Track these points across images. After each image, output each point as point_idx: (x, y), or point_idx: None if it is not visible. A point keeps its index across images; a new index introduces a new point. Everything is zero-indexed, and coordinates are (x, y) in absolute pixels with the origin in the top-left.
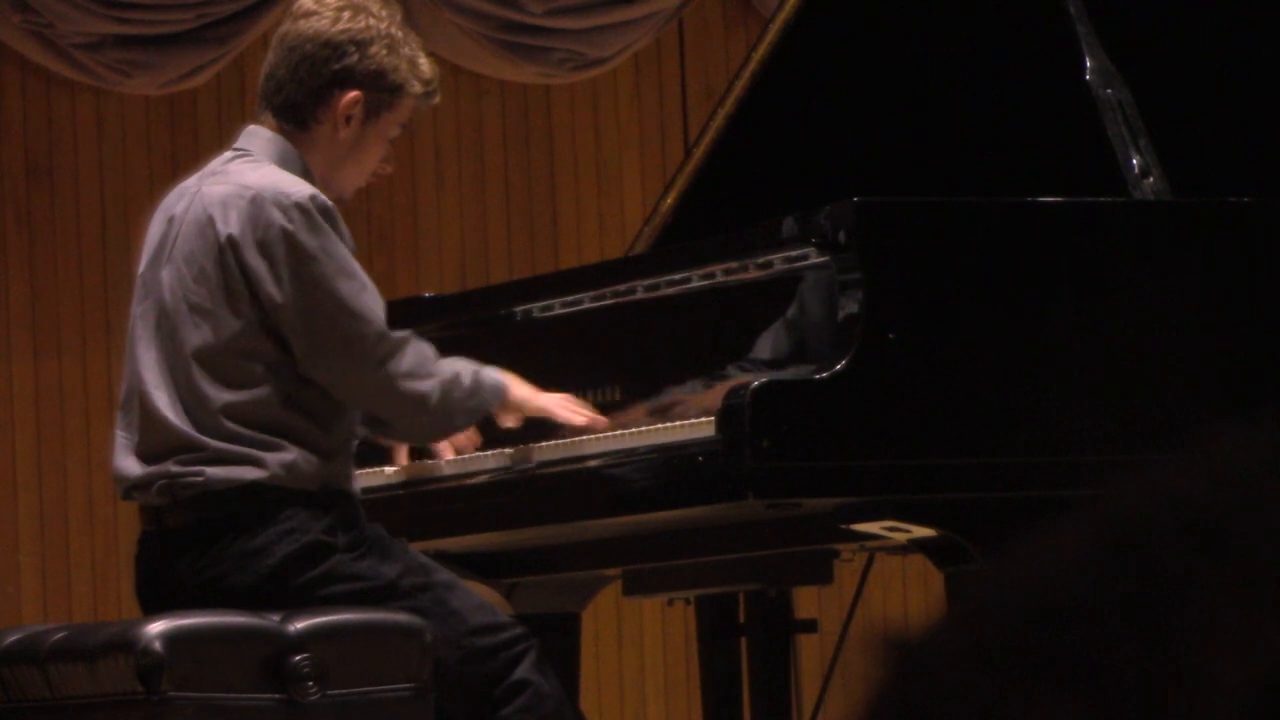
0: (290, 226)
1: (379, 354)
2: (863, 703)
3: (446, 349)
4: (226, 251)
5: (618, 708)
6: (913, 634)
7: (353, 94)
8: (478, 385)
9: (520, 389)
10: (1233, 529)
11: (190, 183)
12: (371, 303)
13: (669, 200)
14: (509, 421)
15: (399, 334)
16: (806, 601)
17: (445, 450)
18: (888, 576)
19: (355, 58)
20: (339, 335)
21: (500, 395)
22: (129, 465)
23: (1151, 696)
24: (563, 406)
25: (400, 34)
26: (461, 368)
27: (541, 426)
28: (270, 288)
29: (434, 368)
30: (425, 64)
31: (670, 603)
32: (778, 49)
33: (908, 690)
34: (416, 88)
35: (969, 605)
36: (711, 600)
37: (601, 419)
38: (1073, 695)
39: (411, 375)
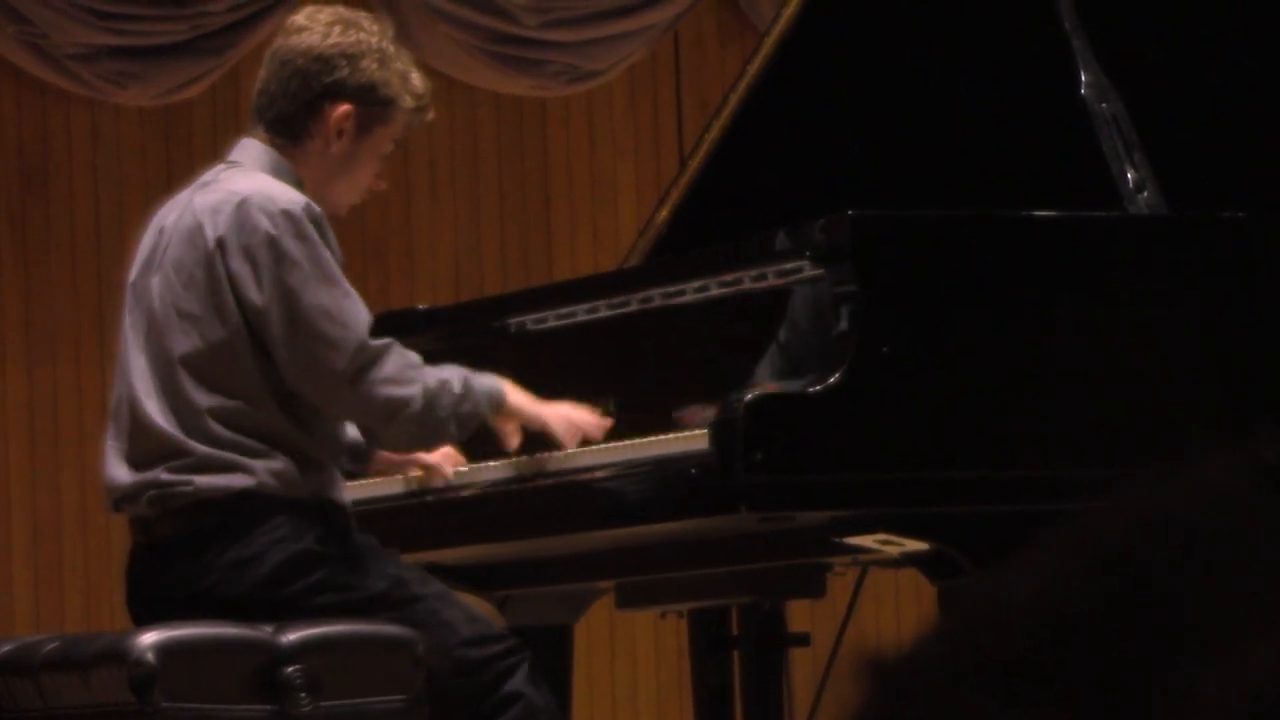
0: (274, 232)
1: (358, 361)
2: None
3: (440, 361)
4: (215, 258)
5: None
6: (894, 652)
7: (344, 107)
8: (469, 391)
9: (517, 396)
10: (1217, 544)
11: (183, 195)
12: (353, 310)
13: (663, 213)
14: (509, 432)
15: (380, 341)
16: (799, 615)
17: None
18: (881, 590)
19: (346, 71)
20: (317, 341)
21: (496, 401)
22: (119, 474)
23: (1136, 711)
24: (562, 422)
25: (392, 49)
26: (451, 374)
27: (535, 437)
28: (251, 291)
29: (417, 374)
30: (418, 79)
31: (663, 615)
32: (773, 62)
33: (891, 709)
34: (408, 102)
35: (952, 621)
36: (704, 613)
37: (601, 426)
38: (1057, 710)
39: (391, 381)
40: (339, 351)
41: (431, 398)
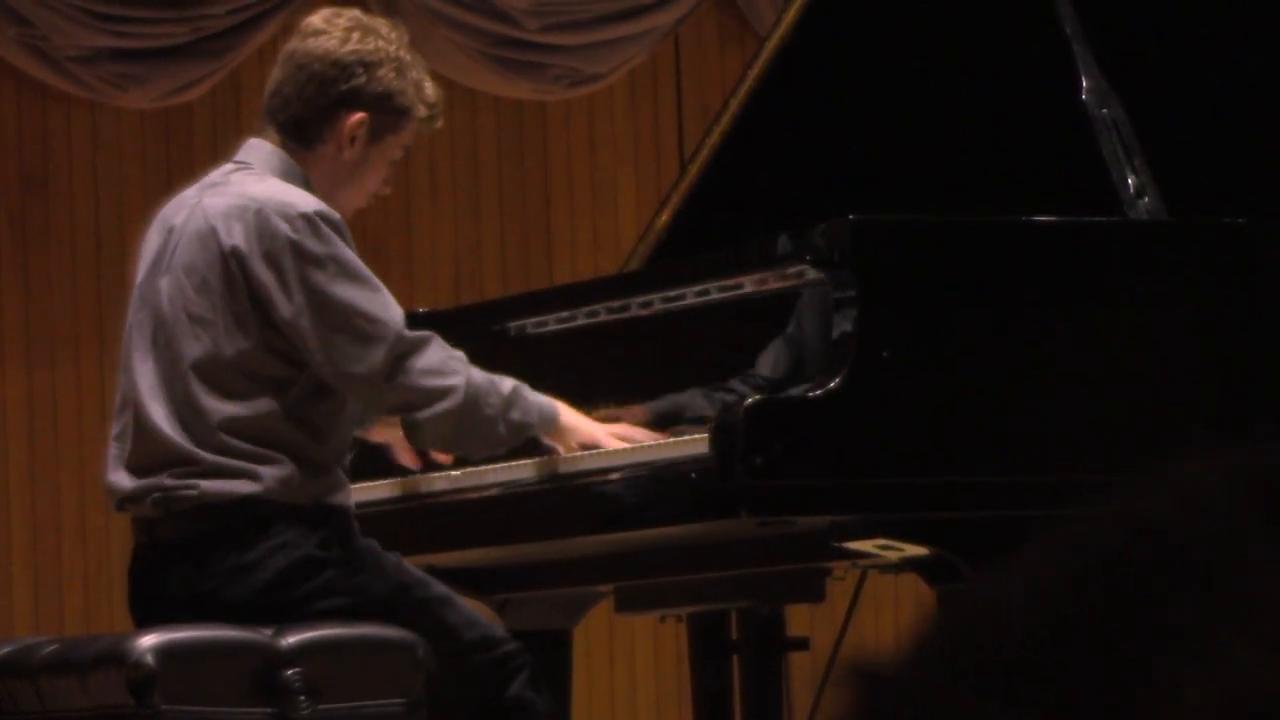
0: (296, 236)
1: (395, 352)
2: None
3: None
4: (231, 264)
5: None
6: (881, 659)
7: (359, 115)
8: (520, 398)
9: (571, 416)
10: (1202, 550)
11: (190, 194)
12: (384, 305)
13: (663, 217)
14: (560, 448)
15: (418, 333)
16: (798, 619)
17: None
18: (880, 595)
19: (363, 79)
20: (352, 338)
21: (549, 417)
22: (121, 478)
23: (1127, 714)
24: (616, 440)
25: (408, 57)
26: (502, 379)
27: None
28: (280, 300)
29: (461, 367)
30: (430, 87)
31: (662, 620)
32: (773, 66)
33: (888, 710)
34: (421, 111)
35: (939, 629)
36: (703, 617)
37: (654, 438)
38: (1053, 712)
39: (432, 372)
40: (374, 346)
41: (475, 393)
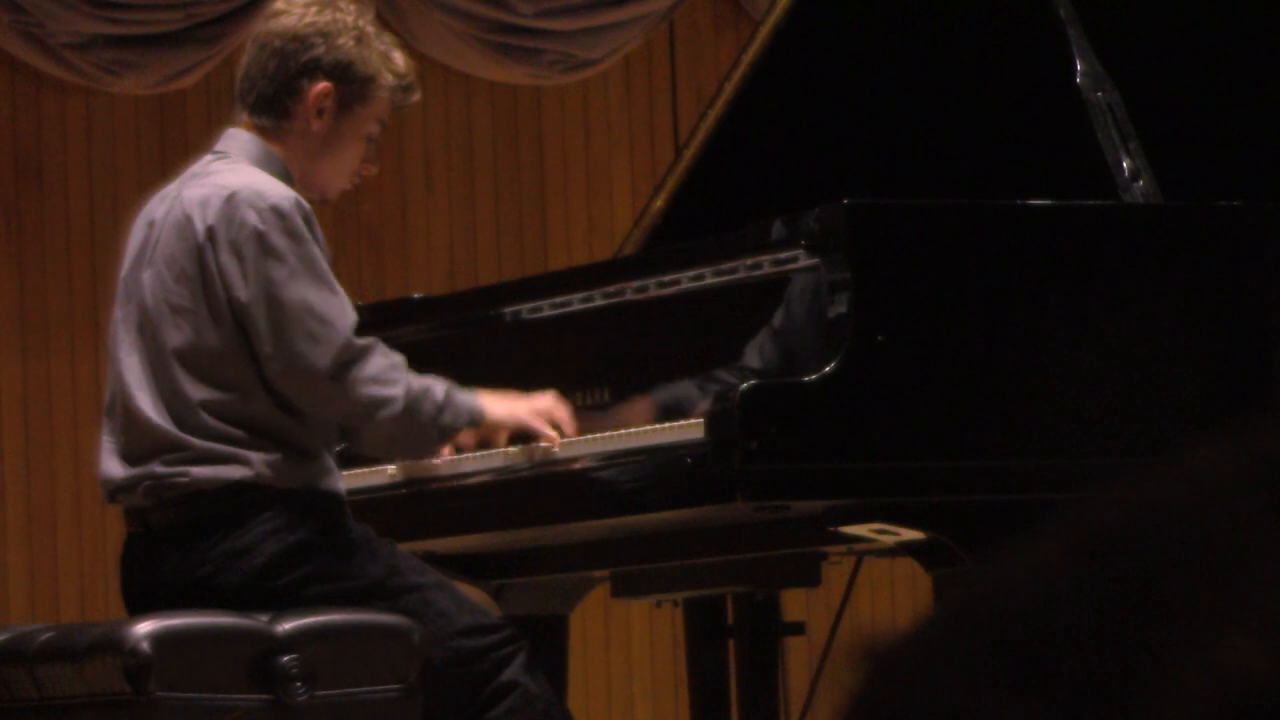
0: (262, 227)
1: (341, 358)
2: (840, 709)
3: (435, 350)
4: (206, 250)
5: (605, 710)
6: (888, 640)
7: (322, 85)
8: (451, 402)
9: (496, 409)
10: (1207, 538)
11: (171, 188)
12: (338, 308)
13: (658, 202)
14: (495, 438)
15: (363, 341)
16: (794, 604)
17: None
18: (876, 579)
19: (322, 49)
20: (300, 337)
21: (476, 417)
22: (113, 468)
23: (1119, 701)
24: (538, 420)
25: (371, 29)
26: (434, 383)
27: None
28: (238, 286)
29: (400, 375)
30: (399, 58)
31: (658, 605)
32: (768, 51)
33: (883, 696)
34: (389, 79)
35: (945, 611)
36: (699, 602)
37: (566, 433)
38: (1043, 700)
39: (374, 380)
40: (322, 348)
41: (413, 401)
